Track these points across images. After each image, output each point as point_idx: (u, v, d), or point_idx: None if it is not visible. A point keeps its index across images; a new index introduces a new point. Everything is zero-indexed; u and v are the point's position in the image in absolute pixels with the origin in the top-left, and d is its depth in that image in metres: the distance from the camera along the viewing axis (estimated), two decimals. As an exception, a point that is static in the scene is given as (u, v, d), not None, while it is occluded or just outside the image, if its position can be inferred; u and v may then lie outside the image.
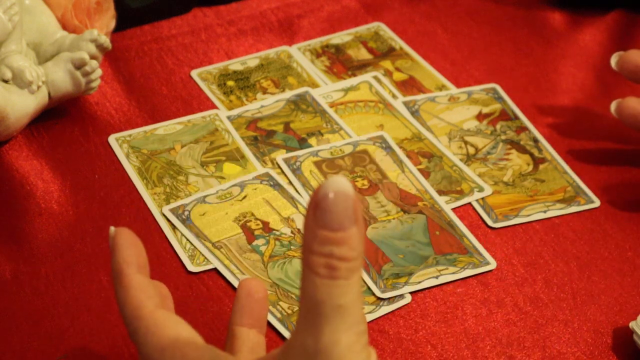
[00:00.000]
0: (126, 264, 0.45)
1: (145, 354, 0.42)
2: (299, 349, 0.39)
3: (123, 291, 0.44)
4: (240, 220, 0.63)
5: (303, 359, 0.39)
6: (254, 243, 0.62)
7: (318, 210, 0.37)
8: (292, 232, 0.63)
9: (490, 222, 0.65)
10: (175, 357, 0.41)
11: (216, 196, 0.65)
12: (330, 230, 0.38)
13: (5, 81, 0.65)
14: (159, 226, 0.63)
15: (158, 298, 0.44)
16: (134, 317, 0.43)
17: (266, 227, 0.63)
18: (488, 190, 0.67)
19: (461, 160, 0.70)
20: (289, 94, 0.74)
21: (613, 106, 0.69)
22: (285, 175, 0.67)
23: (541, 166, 0.70)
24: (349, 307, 0.38)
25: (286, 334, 0.56)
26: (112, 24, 0.74)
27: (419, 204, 0.65)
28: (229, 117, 0.71)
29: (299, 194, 0.65)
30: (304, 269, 0.39)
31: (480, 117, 0.74)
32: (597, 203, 0.67)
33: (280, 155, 0.68)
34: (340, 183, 0.37)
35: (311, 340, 0.38)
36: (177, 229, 0.62)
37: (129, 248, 0.45)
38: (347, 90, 0.75)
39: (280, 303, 0.58)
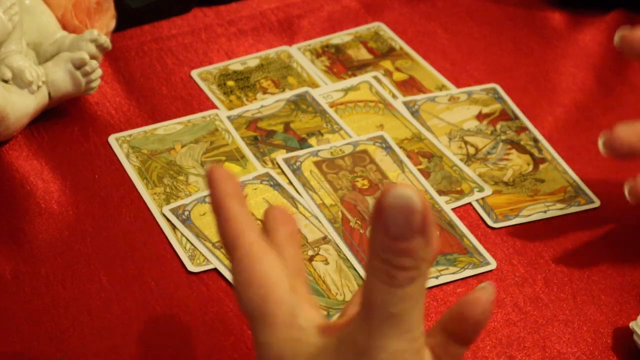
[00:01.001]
0: (227, 196, 0.43)
1: (235, 284, 0.41)
2: (350, 340, 0.39)
3: (224, 222, 0.43)
4: (240, 220, 0.63)
5: (351, 353, 0.39)
6: (254, 243, 0.61)
7: (380, 217, 0.37)
8: (292, 232, 0.62)
9: (490, 222, 0.65)
10: (257, 296, 0.40)
11: (216, 196, 0.64)
12: (391, 239, 0.37)
13: (5, 81, 0.65)
14: (159, 226, 0.62)
15: (258, 231, 0.43)
16: (232, 247, 0.42)
17: (266, 227, 0.63)
18: (488, 190, 0.67)
19: (461, 160, 0.70)
20: (289, 94, 0.74)
21: (617, 37, 0.63)
22: (285, 175, 0.67)
23: (541, 166, 0.70)
24: (403, 316, 0.38)
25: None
26: (112, 24, 0.74)
27: (419, 204, 0.65)
28: (229, 117, 0.71)
29: (299, 194, 0.65)
30: (367, 268, 0.38)
31: (480, 117, 0.74)
32: (597, 203, 0.67)
33: (280, 155, 0.68)
34: (403, 194, 0.36)
35: (362, 338, 0.38)
36: (177, 229, 0.62)
37: (227, 181, 0.43)
38: (347, 90, 0.75)
39: (280, 303, 0.58)
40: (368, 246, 0.38)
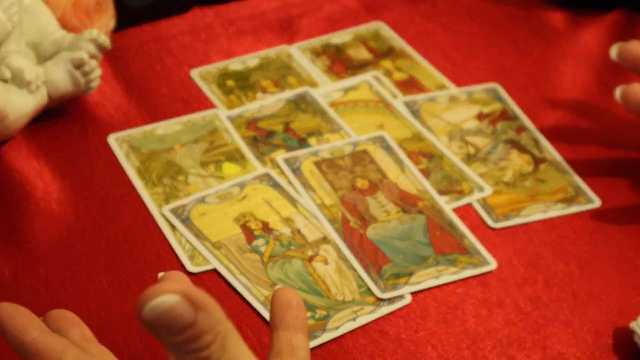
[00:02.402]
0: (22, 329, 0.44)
1: None
2: None
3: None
4: (240, 221, 0.63)
5: None
6: (253, 243, 0.61)
7: (153, 332, 0.37)
8: (291, 232, 0.62)
9: (490, 222, 0.65)
10: None
11: (216, 196, 0.64)
12: (174, 337, 0.37)
13: (5, 81, 0.65)
14: (159, 226, 0.62)
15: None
16: None
17: (266, 227, 0.63)
18: (488, 190, 0.67)
19: (461, 160, 0.70)
20: (289, 93, 0.74)
21: (618, 92, 0.68)
22: (285, 175, 0.67)
23: (541, 166, 0.70)
24: None
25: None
26: (112, 23, 0.74)
27: (419, 204, 0.65)
28: (228, 117, 0.71)
29: (298, 194, 0.65)
30: None
31: (480, 117, 0.74)
32: (597, 203, 0.67)
33: (280, 155, 0.68)
34: (153, 308, 0.36)
35: None
36: (176, 229, 0.62)
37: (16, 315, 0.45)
38: (347, 90, 0.75)
39: (280, 303, 0.58)
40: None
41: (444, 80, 0.78)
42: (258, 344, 0.56)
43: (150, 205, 0.64)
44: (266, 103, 0.73)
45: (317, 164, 0.68)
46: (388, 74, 0.78)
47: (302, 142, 0.70)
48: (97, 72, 0.68)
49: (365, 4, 0.85)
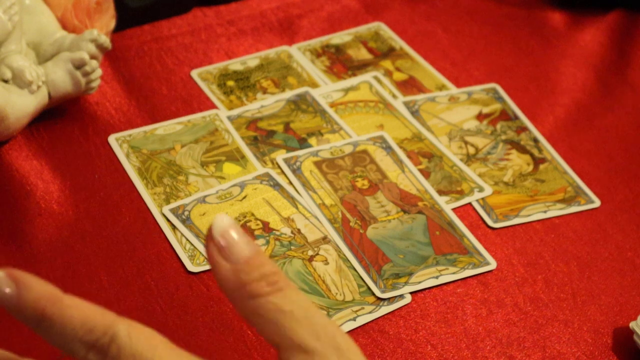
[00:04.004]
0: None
1: None
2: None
3: None
4: (240, 220, 0.63)
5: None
6: (254, 243, 0.61)
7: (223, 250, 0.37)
8: (292, 232, 0.63)
9: (490, 222, 0.65)
10: None
11: (216, 196, 0.65)
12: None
13: (5, 81, 0.65)
14: (159, 226, 0.62)
15: None
16: None
17: (266, 227, 0.63)
18: (488, 190, 0.67)
19: (461, 160, 0.70)
20: (289, 94, 0.74)
21: None
22: (285, 175, 0.67)
23: (541, 166, 0.70)
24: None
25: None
26: (112, 23, 0.74)
27: (419, 204, 0.65)
28: (229, 117, 0.71)
29: (299, 194, 0.65)
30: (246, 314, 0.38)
31: (480, 117, 0.74)
32: (597, 203, 0.67)
33: (280, 155, 0.68)
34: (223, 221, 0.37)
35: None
36: (177, 229, 0.62)
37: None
38: (347, 90, 0.75)
39: (280, 303, 0.58)
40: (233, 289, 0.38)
41: (444, 80, 0.78)
42: (258, 344, 0.56)
43: (150, 205, 0.64)
44: (266, 103, 0.73)
45: (317, 164, 0.68)
46: (388, 74, 0.78)
47: (302, 142, 0.70)
48: (98, 73, 0.68)
49: (365, 4, 0.85)
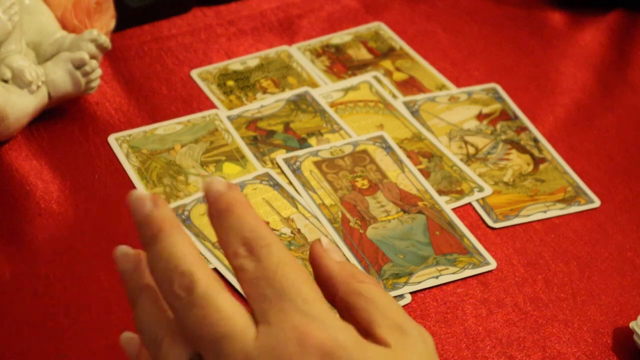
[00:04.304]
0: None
1: None
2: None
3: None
4: (240, 220, 0.63)
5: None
6: (254, 243, 0.61)
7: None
8: (292, 232, 0.63)
9: (490, 222, 0.65)
10: None
11: (216, 196, 0.64)
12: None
13: (5, 81, 0.65)
14: (159, 226, 0.62)
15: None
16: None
17: (266, 227, 0.63)
18: (488, 190, 0.67)
19: (461, 160, 0.70)
20: (289, 93, 0.74)
21: None
22: (285, 175, 0.67)
23: (541, 166, 0.70)
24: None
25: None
26: (112, 23, 0.74)
27: (419, 204, 0.65)
28: (229, 117, 0.71)
29: (298, 194, 0.65)
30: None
31: (480, 117, 0.74)
32: (597, 203, 0.67)
33: (280, 155, 0.68)
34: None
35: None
36: (177, 229, 0.62)
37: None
38: (347, 90, 0.75)
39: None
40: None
41: (444, 80, 0.78)
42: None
43: (150, 205, 0.64)
44: (266, 103, 0.73)
45: (317, 164, 0.68)
46: (388, 74, 0.78)
47: (302, 142, 0.70)
48: (98, 73, 0.68)
49: (365, 4, 0.85)
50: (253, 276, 0.38)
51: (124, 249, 0.42)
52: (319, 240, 0.43)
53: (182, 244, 0.39)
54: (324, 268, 0.42)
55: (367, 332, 0.39)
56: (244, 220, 0.39)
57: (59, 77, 0.67)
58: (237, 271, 0.39)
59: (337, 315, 0.39)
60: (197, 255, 0.39)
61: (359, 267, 0.60)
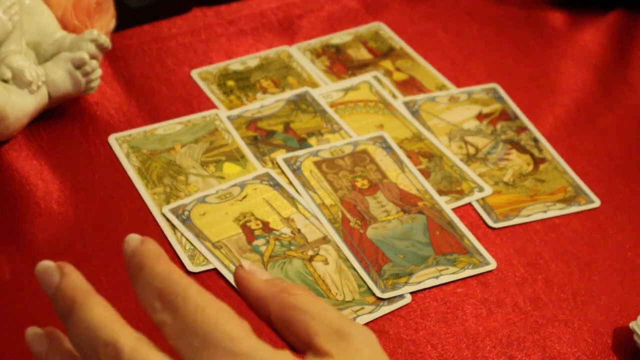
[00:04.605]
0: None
1: None
2: None
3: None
4: (240, 220, 0.63)
5: None
6: (254, 243, 0.61)
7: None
8: (292, 232, 0.63)
9: (490, 222, 0.65)
10: None
11: (216, 196, 0.65)
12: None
13: (5, 81, 0.65)
14: (159, 226, 0.62)
15: None
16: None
17: (266, 227, 0.63)
18: (488, 190, 0.67)
19: (461, 160, 0.70)
20: (289, 93, 0.74)
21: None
22: (285, 175, 0.67)
23: (541, 166, 0.70)
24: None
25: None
26: (112, 23, 0.74)
27: (419, 204, 0.65)
28: (229, 117, 0.71)
29: (299, 194, 0.65)
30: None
31: (480, 117, 0.74)
32: (597, 203, 0.67)
33: (280, 155, 0.68)
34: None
35: None
36: (177, 229, 0.62)
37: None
38: (347, 90, 0.75)
39: (280, 303, 0.58)
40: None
41: (444, 80, 0.78)
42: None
43: (150, 205, 0.64)
44: (266, 103, 0.73)
45: (317, 164, 0.68)
46: (388, 74, 0.78)
47: (302, 142, 0.70)
48: (98, 73, 0.68)
49: (365, 4, 0.85)
50: (175, 329, 0.37)
51: (33, 330, 0.42)
52: (240, 265, 0.42)
53: (99, 310, 0.38)
54: (252, 290, 0.41)
55: (307, 344, 0.39)
56: (155, 272, 0.39)
57: (59, 77, 0.67)
58: (159, 327, 0.38)
59: (267, 346, 0.38)
60: (116, 318, 0.38)
61: (359, 267, 0.60)
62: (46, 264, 0.39)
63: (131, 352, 0.37)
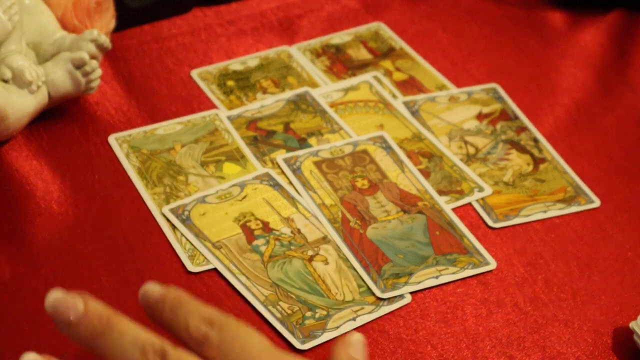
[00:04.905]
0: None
1: None
2: None
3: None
4: (240, 220, 0.63)
5: None
6: (254, 243, 0.62)
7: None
8: (292, 232, 0.63)
9: (490, 222, 0.65)
10: None
11: (216, 196, 0.65)
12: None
13: (5, 81, 0.65)
14: (159, 226, 0.62)
15: None
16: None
17: (266, 227, 0.63)
18: (488, 190, 0.67)
19: (461, 160, 0.70)
20: (289, 93, 0.74)
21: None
22: (285, 175, 0.67)
23: (541, 166, 0.70)
24: None
25: (286, 334, 0.56)
26: (112, 23, 0.74)
27: (419, 204, 0.65)
28: (229, 117, 0.71)
29: (299, 194, 0.65)
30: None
31: (480, 117, 0.74)
32: (597, 203, 0.67)
33: (280, 155, 0.68)
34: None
35: None
36: (177, 229, 0.62)
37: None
38: (347, 90, 0.75)
39: (280, 303, 0.58)
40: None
41: (444, 80, 0.78)
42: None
43: (150, 205, 0.64)
44: (266, 103, 0.73)
45: (317, 164, 0.68)
46: (388, 74, 0.78)
47: (302, 142, 0.70)
48: (98, 73, 0.68)
49: (365, 4, 0.85)
50: (218, 340, 0.41)
51: (30, 356, 0.44)
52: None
53: (131, 323, 0.42)
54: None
55: None
56: (197, 305, 0.42)
57: (59, 77, 0.67)
58: (202, 341, 0.41)
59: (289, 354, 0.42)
60: (143, 328, 0.42)
61: (359, 267, 0.60)
62: (58, 295, 0.42)
63: (175, 354, 0.40)
